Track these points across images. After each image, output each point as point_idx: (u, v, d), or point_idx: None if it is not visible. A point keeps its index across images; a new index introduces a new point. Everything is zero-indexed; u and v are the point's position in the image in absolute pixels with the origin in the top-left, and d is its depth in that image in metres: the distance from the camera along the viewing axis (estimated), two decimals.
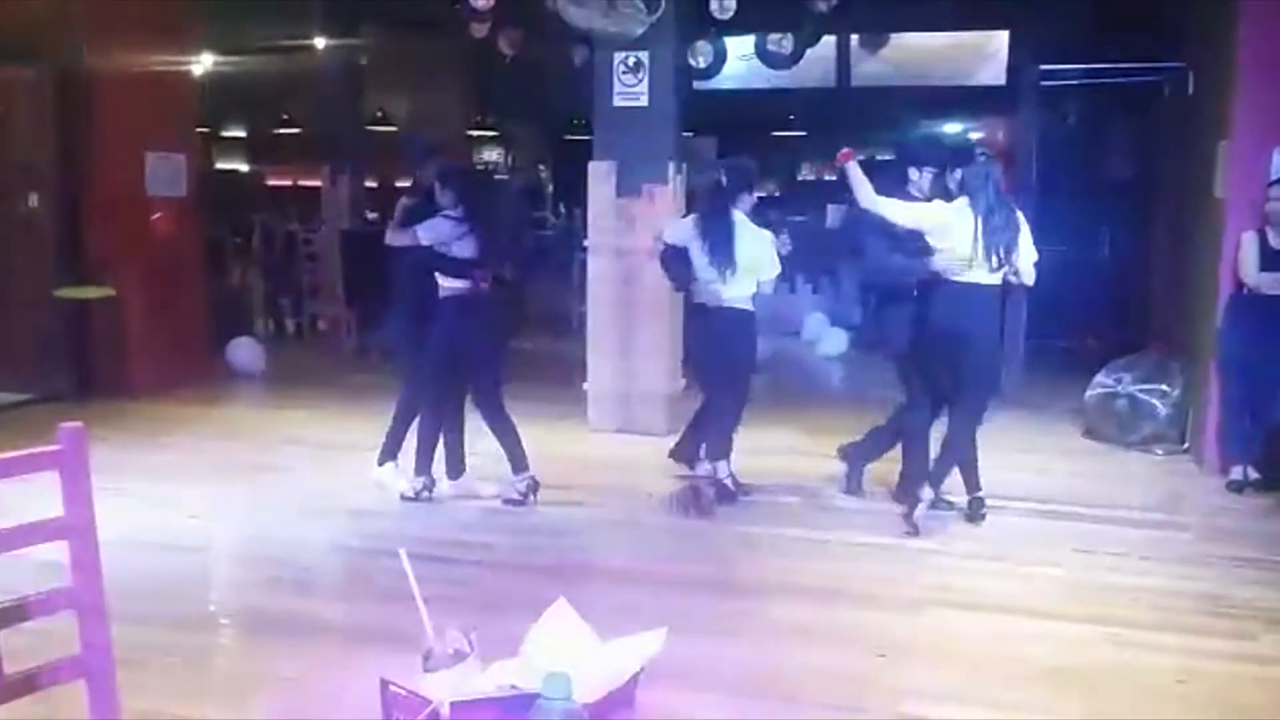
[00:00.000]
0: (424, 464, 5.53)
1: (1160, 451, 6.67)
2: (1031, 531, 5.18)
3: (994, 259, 4.93)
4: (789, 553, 4.90)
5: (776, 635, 3.98)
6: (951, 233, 4.96)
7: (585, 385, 7.19)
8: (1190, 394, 6.66)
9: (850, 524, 5.26)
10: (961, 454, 5.24)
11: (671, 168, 6.93)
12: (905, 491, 5.35)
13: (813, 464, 6.13)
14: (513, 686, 2.83)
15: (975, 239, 4.91)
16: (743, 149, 8.69)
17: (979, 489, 5.31)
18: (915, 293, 5.23)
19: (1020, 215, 5.05)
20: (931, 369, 5.25)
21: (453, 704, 1.85)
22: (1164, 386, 6.81)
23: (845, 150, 5.13)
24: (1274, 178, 5.86)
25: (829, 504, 5.59)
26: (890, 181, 5.29)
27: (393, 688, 2.73)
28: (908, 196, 5.22)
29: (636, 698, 2.87)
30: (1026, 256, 5.04)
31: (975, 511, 5.26)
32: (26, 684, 1.99)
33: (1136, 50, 7.86)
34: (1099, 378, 7.05)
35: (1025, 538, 5.09)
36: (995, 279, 5.01)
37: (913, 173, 5.33)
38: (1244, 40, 6.03)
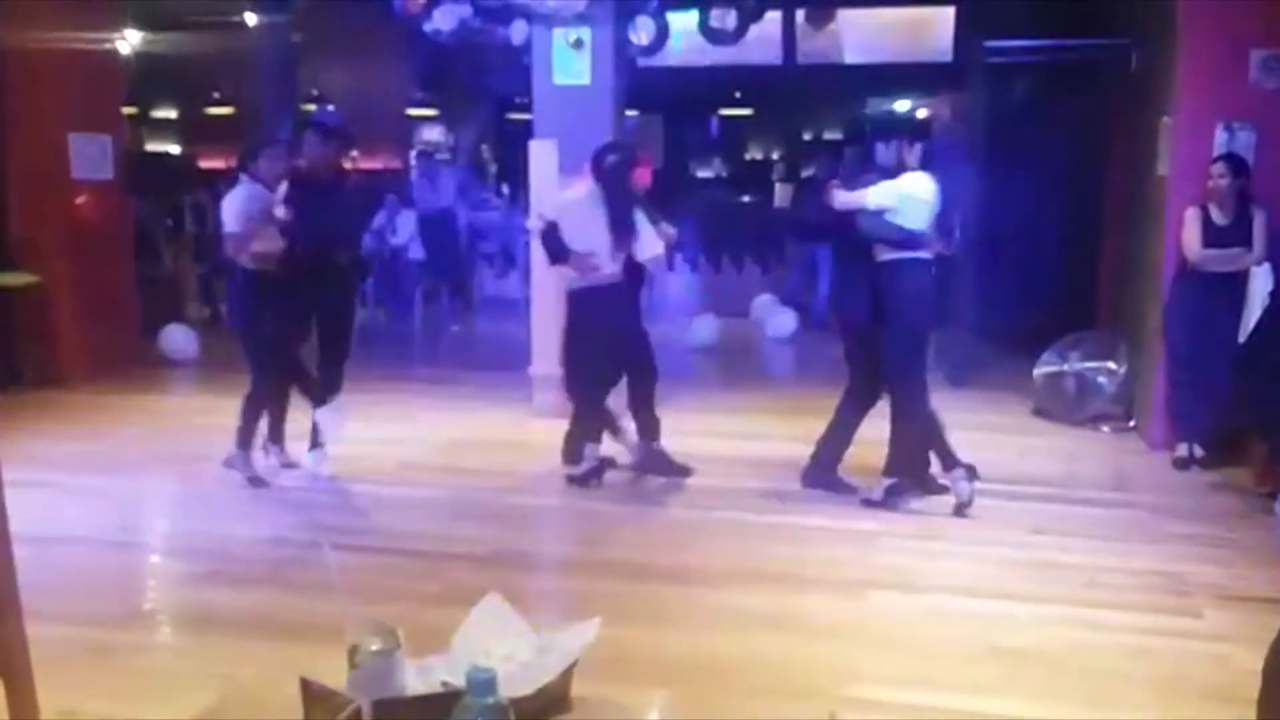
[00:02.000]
0: (243, 440, 5.53)
1: (1107, 429, 6.67)
2: (981, 511, 5.12)
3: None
4: (734, 538, 4.80)
5: (719, 622, 3.87)
6: (920, 208, 4.92)
7: (530, 369, 7.04)
8: (1137, 372, 6.66)
9: (799, 509, 5.16)
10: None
11: None
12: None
13: (764, 447, 6.05)
14: (443, 683, 2.71)
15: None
16: (687, 127, 8.58)
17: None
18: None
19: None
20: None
21: (375, 703, 1.73)
22: (1110, 364, 6.80)
23: (831, 185, 5.08)
24: (1216, 154, 5.84)
25: (779, 488, 5.48)
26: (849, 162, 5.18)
27: (314, 687, 2.60)
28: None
29: (571, 690, 2.76)
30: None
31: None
32: None
33: (1083, 25, 7.81)
34: (1046, 356, 7.03)
35: (974, 517, 5.03)
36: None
37: (881, 148, 5.14)
38: (1185, 15, 6.00)
